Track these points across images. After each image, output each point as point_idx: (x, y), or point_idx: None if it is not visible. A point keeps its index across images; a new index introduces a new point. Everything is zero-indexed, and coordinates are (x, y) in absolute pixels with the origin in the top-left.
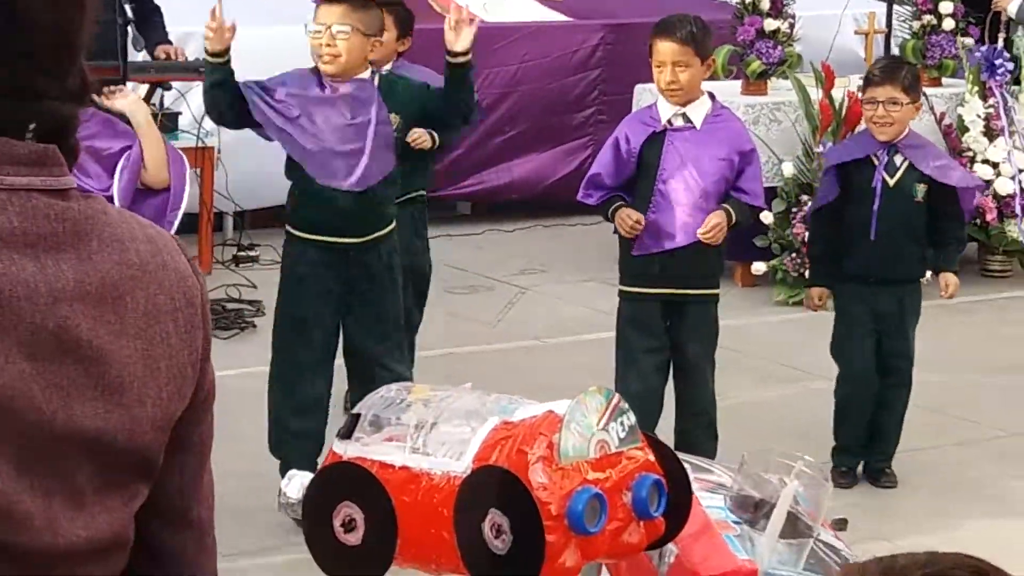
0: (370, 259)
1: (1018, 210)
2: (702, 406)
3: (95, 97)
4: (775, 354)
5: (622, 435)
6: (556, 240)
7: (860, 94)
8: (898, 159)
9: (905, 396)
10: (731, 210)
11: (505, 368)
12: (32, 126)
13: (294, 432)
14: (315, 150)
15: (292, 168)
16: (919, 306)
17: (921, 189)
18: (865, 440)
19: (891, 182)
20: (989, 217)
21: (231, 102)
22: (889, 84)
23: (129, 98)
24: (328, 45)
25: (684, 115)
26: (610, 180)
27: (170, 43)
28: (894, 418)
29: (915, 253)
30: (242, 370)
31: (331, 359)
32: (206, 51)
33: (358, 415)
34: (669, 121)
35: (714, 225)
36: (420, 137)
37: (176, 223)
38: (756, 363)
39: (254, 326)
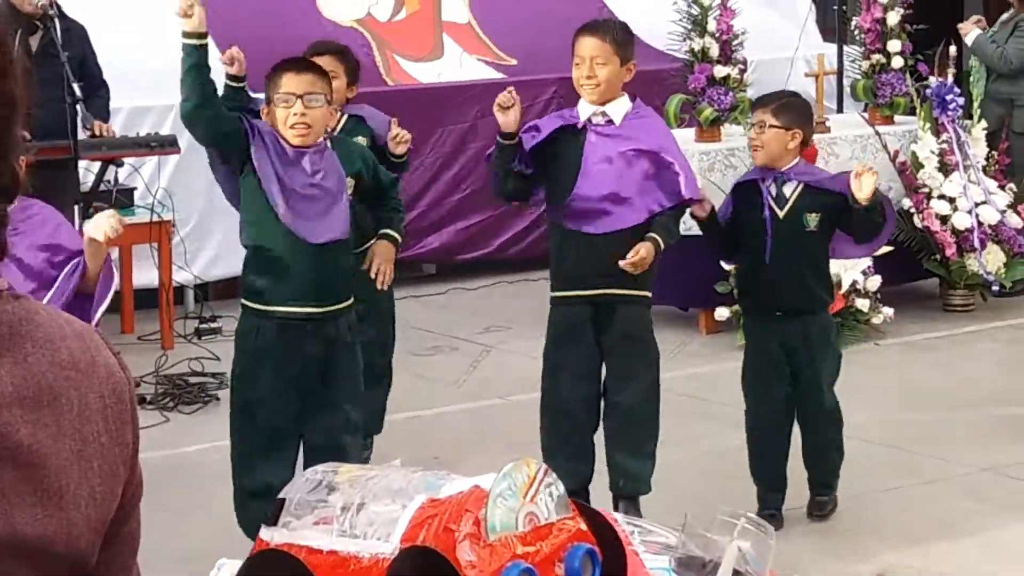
0: (329, 333)
1: (976, 244)
2: (636, 412)
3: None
4: (743, 400)
5: (551, 506)
6: (519, 296)
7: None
8: (787, 189)
9: (825, 427)
10: (659, 240)
11: (473, 428)
12: None
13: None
14: (290, 201)
15: (250, 229)
16: (829, 336)
17: (813, 219)
18: (783, 480)
19: (781, 213)
20: (949, 252)
21: (212, 94)
22: (760, 109)
23: (96, 228)
24: (300, 115)
25: (603, 113)
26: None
27: (104, 120)
28: (819, 449)
29: (816, 284)
30: (207, 444)
31: (291, 444)
32: (183, 32)
33: (284, 500)
34: (589, 119)
35: (640, 259)
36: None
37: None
38: (724, 410)
39: (218, 399)
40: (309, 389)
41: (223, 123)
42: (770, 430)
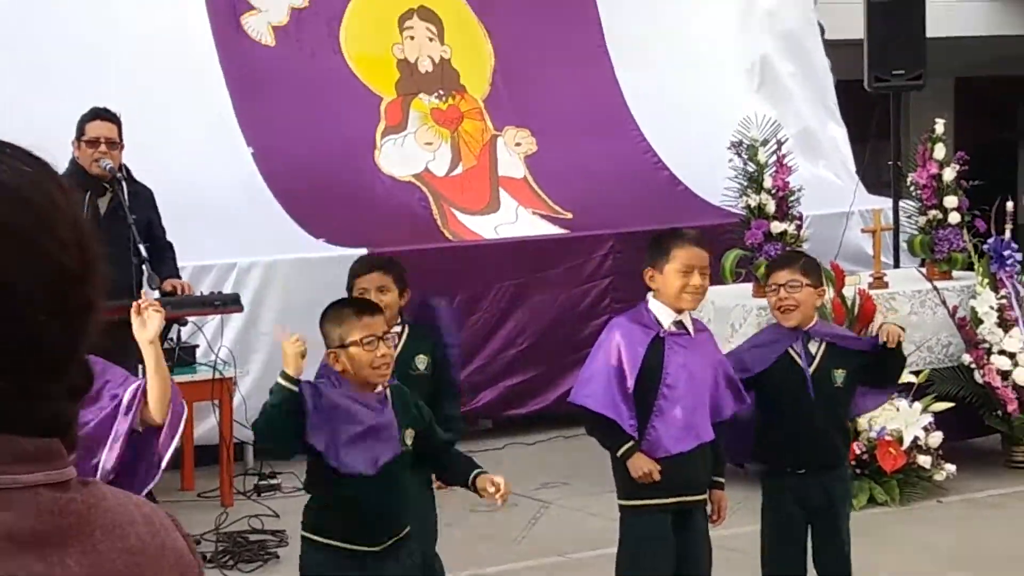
0: (390, 569)
1: None
2: None
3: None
4: None
5: None
6: (577, 451)
7: (765, 287)
8: (812, 347)
9: None
10: (722, 481)
11: None
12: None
13: None
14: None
15: (313, 481)
16: (848, 492)
17: (840, 375)
18: None
19: (809, 371)
20: (1010, 408)
21: (294, 430)
22: (787, 268)
23: (150, 333)
24: (384, 355)
25: (679, 322)
26: (611, 387)
27: (179, 278)
28: None
29: (841, 439)
30: None
31: None
32: (283, 372)
33: None
34: (667, 328)
35: (724, 509)
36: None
37: (166, 460)
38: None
39: (277, 557)
40: None
41: (290, 450)
42: None
